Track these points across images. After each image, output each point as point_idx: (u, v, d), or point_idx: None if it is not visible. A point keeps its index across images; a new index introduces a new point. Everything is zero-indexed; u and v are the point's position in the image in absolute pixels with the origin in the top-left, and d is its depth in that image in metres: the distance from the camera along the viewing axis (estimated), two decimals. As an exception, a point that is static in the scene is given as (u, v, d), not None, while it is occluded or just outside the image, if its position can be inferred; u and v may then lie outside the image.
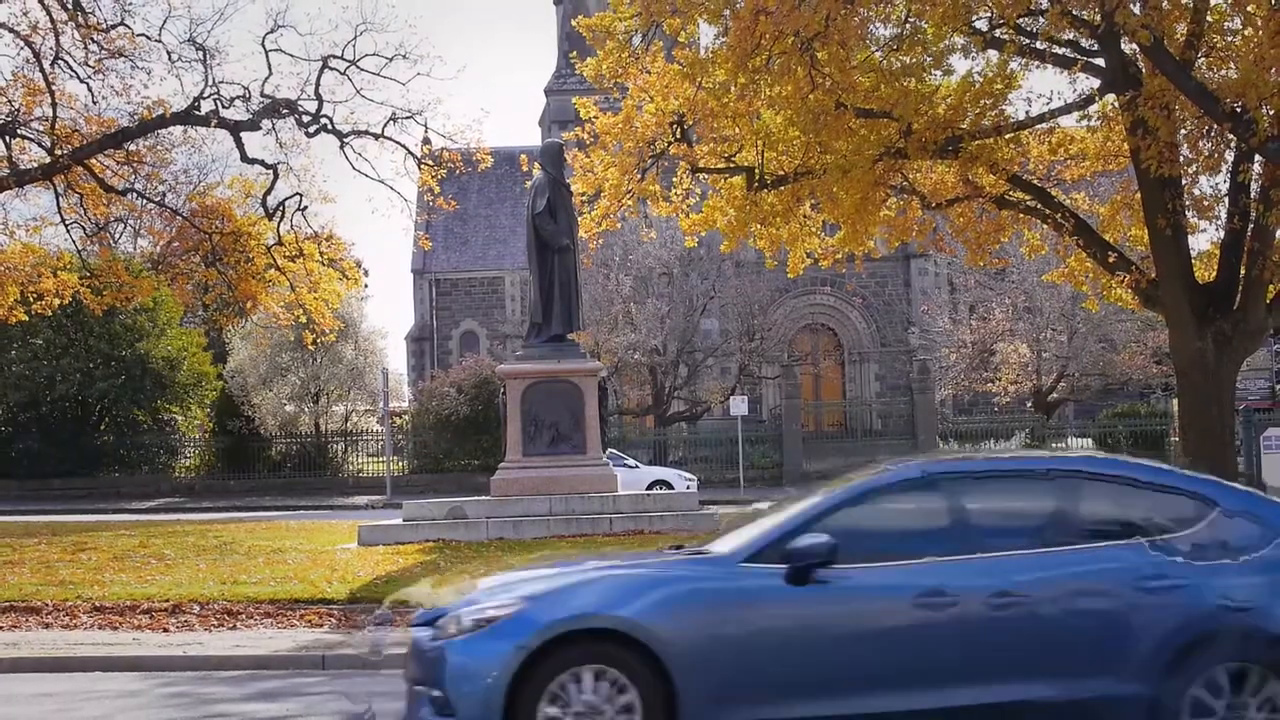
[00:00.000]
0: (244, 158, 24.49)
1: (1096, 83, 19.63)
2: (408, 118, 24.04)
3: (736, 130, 20.28)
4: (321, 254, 26.31)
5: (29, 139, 22.89)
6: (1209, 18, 18.17)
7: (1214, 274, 20.43)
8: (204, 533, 19.10)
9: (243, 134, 23.77)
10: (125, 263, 31.20)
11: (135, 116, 23.06)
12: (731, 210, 21.38)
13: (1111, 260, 20.97)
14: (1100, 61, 19.13)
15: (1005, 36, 18.62)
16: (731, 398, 33.22)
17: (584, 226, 21.36)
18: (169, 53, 23.18)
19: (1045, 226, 21.55)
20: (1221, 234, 20.19)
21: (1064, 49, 19.23)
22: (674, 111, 20.46)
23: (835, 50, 17.09)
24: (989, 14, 18.36)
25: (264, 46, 23.59)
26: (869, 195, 19.82)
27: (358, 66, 23.67)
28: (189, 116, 23.04)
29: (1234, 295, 19.95)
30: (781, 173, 20.60)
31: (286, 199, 25.23)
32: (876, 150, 18.79)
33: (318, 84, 23.52)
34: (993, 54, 19.16)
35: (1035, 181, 21.38)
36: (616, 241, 35.71)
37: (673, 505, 18.38)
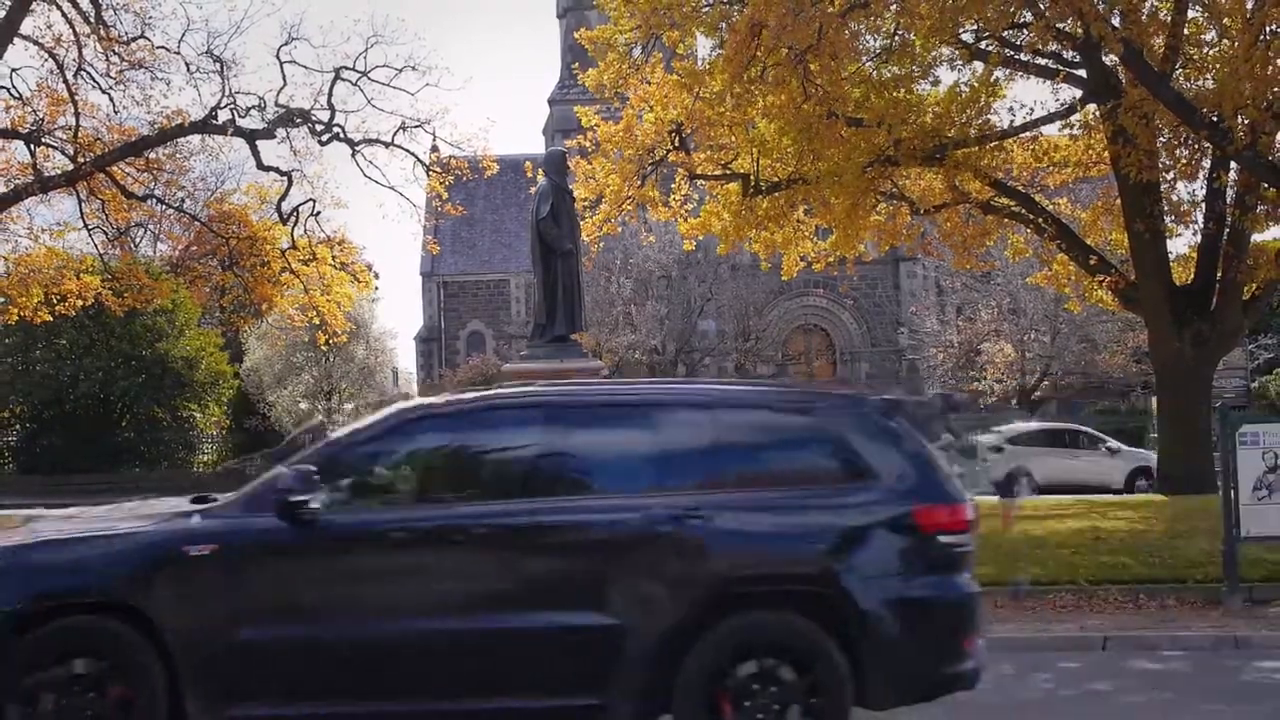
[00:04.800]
0: (259, 165, 25.08)
1: (1078, 93, 20.19)
2: (417, 127, 24.66)
3: (732, 138, 20.89)
4: (334, 258, 26.93)
5: (53, 147, 23.34)
6: (1186, 30, 18.67)
7: (1192, 276, 21.00)
8: (222, 526, 19.58)
9: (258, 142, 24.27)
10: (145, 266, 31.93)
11: (155, 125, 23.52)
12: (728, 215, 22.00)
13: (1093, 263, 21.59)
14: (1082, 72, 19.70)
15: (990, 48, 19.19)
16: (730, 396, 33.78)
17: (586, 231, 21.98)
18: (187, 64, 23.62)
19: (1029, 231, 22.17)
20: (1199, 238, 20.75)
21: (1047, 60, 19.80)
22: (673, 120, 21.05)
23: (827, 62, 17.51)
24: (975, 27, 18.90)
25: (279, 58, 24.13)
26: (860, 201, 20.40)
27: (369, 77, 24.22)
28: (206, 125, 23.56)
29: (1211, 297, 20.52)
30: (776, 179, 21.21)
31: (300, 205, 25.75)
32: (867, 158, 19.32)
33: (330, 94, 24.10)
34: (978, 65, 19.70)
35: (1019, 188, 21.98)
36: (617, 245, 36.34)
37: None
